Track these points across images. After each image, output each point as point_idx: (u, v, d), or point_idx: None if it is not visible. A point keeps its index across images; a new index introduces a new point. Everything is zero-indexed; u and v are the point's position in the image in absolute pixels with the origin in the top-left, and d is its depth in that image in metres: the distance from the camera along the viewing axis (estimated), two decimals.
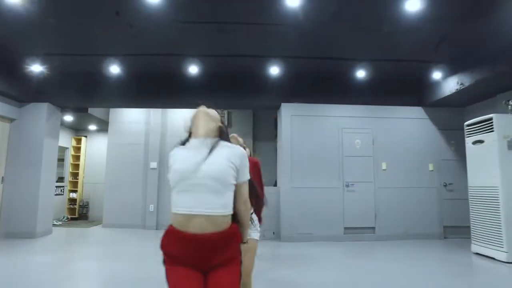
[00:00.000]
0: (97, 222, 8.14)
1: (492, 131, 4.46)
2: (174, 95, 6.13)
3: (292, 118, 6.14)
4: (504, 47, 4.23)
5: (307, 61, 5.36)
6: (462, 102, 5.95)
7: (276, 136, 7.13)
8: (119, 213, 7.29)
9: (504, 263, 4.19)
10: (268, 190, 6.28)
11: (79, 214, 8.70)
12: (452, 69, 5.20)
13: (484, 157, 4.61)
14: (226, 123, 7.52)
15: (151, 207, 7.29)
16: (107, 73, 5.49)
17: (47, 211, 6.23)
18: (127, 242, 5.87)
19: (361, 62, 5.29)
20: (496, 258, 4.32)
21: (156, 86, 6.02)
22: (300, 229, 5.82)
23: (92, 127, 8.75)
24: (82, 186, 8.89)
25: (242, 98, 6.11)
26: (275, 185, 6.80)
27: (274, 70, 5.43)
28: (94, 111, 7.25)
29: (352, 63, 5.34)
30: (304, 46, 4.85)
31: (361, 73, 5.45)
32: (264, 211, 2.59)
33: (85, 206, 8.82)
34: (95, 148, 9.03)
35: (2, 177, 5.82)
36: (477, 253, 4.70)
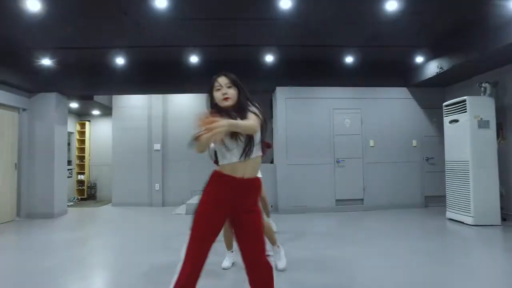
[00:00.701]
0: (105, 201, 8.70)
1: (466, 111, 4.99)
2: (175, 82, 6.51)
3: (286, 100, 6.59)
4: (476, 37, 4.67)
5: (300, 48, 5.75)
6: (443, 83, 6.44)
7: (272, 116, 7.60)
8: (127, 192, 7.83)
9: (471, 226, 4.86)
10: (266, 168, 6.87)
11: (87, 194, 9.24)
12: (433, 54, 5.64)
13: (458, 134, 5.16)
14: None
15: (157, 186, 7.83)
16: (112, 63, 5.81)
17: (62, 193, 6.74)
18: (137, 218, 6.45)
19: (350, 48, 5.69)
20: (465, 222, 4.99)
21: (158, 74, 6.38)
22: (296, 202, 6.43)
23: (96, 112, 9.10)
24: (89, 168, 9.37)
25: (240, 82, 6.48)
26: (272, 162, 7.36)
27: (269, 58, 5.80)
28: (98, 97, 7.60)
29: (342, 49, 5.73)
30: (297, 35, 5.22)
31: (350, 59, 5.86)
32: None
33: (92, 187, 9.34)
34: (99, 132, 9.43)
35: (16, 164, 6.27)
36: (450, 219, 5.37)
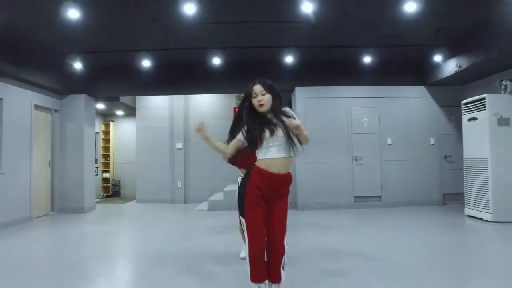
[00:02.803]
0: (129, 198, 9.07)
1: (485, 109, 5.04)
2: (197, 82, 6.77)
3: (305, 100, 6.76)
4: (495, 35, 4.73)
5: (319, 49, 5.91)
6: (461, 82, 6.47)
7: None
8: (150, 189, 8.17)
9: (490, 222, 4.92)
10: None
11: (112, 192, 9.64)
12: (451, 53, 5.69)
13: (477, 132, 5.22)
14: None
15: (179, 183, 8.13)
16: (138, 66, 6.11)
17: (90, 189, 7.11)
18: (162, 214, 6.75)
19: (368, 48, 5.81)
20: (484, 219, 5.05)
21: (181, 75, 6.66)
22: (314, 199, 6.60)
23: (120, 112, 9.49)
24: (113, 167, 9.77)
25: None
26: None
27: (289, 59, 5.98)
28: (123, 98, 7.95)
29: (360, 49, 5.86)
30: (316, 37, 5.38)
31: (368, 59, 5.97)
32: None
33: (117, 184, 9.74)
34: (123, 131, 9.83)
35: (49, 161, 6.66)
36: (469, 215, 5.43)
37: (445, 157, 6.74)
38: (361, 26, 5.03)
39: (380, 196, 6.69)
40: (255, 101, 2.11)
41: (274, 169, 2.08)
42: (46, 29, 4.81)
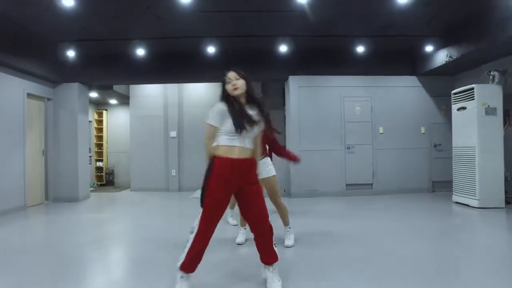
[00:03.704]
0: (123, 187, 9.10)
1: (473, 99, 5.17)
2: (191, 71, 6.77)
3: (299, 89, 6.82)
4: (485, 26, 4.83)
5: (313, 38, 5.95)
6: (452, 72, 6.58)
7: (284, 104, 7.83)
8: (145, 178, 8.21)
9: (476, 208, 5.12)
10: None
11: (106, 180, 9.66)
12: (442, 43, 5.79)
13: (466, 121, 5.36)
14: None
15: (173, 172, 8.19)
16: (131, 54, 6.08)
17: (85, 178, 7.13)
18: (157, 202, 6.82)
19: (361, 37, 5.86)
20: (470, 205, 5.25)
21: (175, 64, 6.64)
22: (307, 187, 6.73)
23: (113, 101, 9.43)
24: (107, 155, 9.76)
25: (254, 72, 6.71)
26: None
27: (283, 48, 6.01)
28: (117, 87, 7.91)
29: (353, 39, 5.91)
30: (310, 26, 5.40)
31: (361, 48, 6.03)
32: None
33: (110, 173, 9.74)
34: (116, 120, 9.78)
35: (43, 150, 6.64)
36: (456, 202, 5.62)
37: (435, 146, 6.91)
38: (354, 16, 5.07)
39: (371, 184, 6.85)
40: (229, 86, 2.28)
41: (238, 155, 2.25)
42: (39, 17, 4.76)
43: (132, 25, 5.29)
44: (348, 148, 6.80)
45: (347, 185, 6.83)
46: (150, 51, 6.07)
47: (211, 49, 5.94)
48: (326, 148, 6.78)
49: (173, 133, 8.19)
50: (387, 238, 3.73)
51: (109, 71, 6.78)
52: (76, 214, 5.54)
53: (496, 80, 5.35)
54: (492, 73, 5.36)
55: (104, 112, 9.64)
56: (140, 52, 5.93)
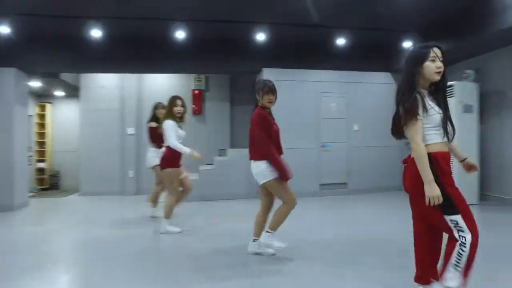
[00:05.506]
0: (71, 191, 8.02)
1: (453, 96, 5.14)
2: (155, 60, 6.06)
3: (274, 82, 6.38)
4: (463, 25, 4.85)
5: (290, 27, 5.56)
6: None
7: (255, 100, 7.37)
8: (97, 180, 7.25)
9: None
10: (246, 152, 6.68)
11: (49, 184, 8.46)
12: (419, 41, 5.71)
13: None
14: (203, 87, 7.60)
15: (131, 173, 7.34)
16: (85, 37, 5.22)
17: (22, 182, 6.04)
18: (110, 209, 5.90)
19: (339, 30, 5.61)
20: None
21: (136, 51, 5.90)
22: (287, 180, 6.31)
23: (59, 93, 8.27)
24: (51, 155, 8.55)
25: (226, 63, 6.22)
26: None
27: (259, 36, 5.55)
28: (65, 76, 6.87)
29: (330, 31, 5.64)
30: (288, 13, 5.02)
31: (339, 41, 5.79)
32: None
33: (55, 175, 8.56)
34: (63, 115, 8.64)
35: None
36: None
37: (406, 144, 6.88)
38: (334, 8, 4.77)
39: (346, 183, 6.65)
40: (432, 66, 1.86)
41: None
42: None
43: (86, 3, 4.47)
44: (323, 146, 6.53)
45: (321, 184, 6.55)
46: (108, 34, 5.25)
47: (180, 34, 5.27)
48: (300, 146, 6.43)
49: (131, 130, 7.34)
50: (366, 241, 3.44)
51: (55, 56, 5.77)
52: (9, 228, 4.55)
53: (471, 78, 5.38)
54: (467, 71, 5.39)
55: (48, 105, 8.44)
56: (96, 34, 5.08)
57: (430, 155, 1.85)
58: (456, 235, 1.78)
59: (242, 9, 4.89)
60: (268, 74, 6.34)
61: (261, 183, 2.95)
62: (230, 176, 6.45)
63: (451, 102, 5.14)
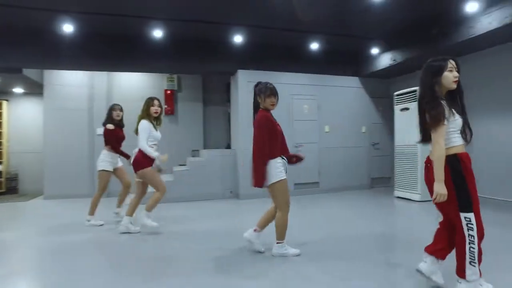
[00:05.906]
0: (32, 195, 7.54)
1: (416, 100, 5.55)
2: (128, 58, 5.89)
3: (248, 84, 6.48)
4: (428, 32, 5.20)
5: (265, 31, 5.69)
6: (391, 75, 7.07)
7: (228, 100, 7.43)
8: (63, 183, 6.91)
9: (418, 202, 5.54)
10: (222, 153, 6.73)
11: (6, 187, 7.88)
12: (387, 47, 6.13)
13: (408, 121, 5.75)
14: (176, 87, 7.51)
15: None
16: (53, 30, 4.97)
17: None
18: (78, 213, 5.50)
19: (311, 35, 5.84)
20: (412, 199, 5.66)
21: (108, 48, 5.69)
22: (255, 188, 6.42)
23: (18, 90, 7.73)
24: (8, 156, 7.97)
25: (200, 63, 6.21)
26: (228, 147, 7.25)
27: (236, 38, 5.63)
28: (27, 71, 6.44)
29: (303, 35, 5.86)
30: (264, 17, 5.14)
31: (311, 46, 6.05)
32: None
33: (13, 178, 7.99)
34: (21, 114, 8.07)
35: None
36: (398, 197, 6.00)
37: (373, 144, 7.33)
38: (308, 14, 4.96)
39: (318, 182, 6.92)
40: (450, 76, 2.07)
41: None
42: None
43: None
44: (296, 146, 6.74)
45: (295, 184, 6.76)
46: (78, 29, 5.04)
47: (156, 33, 5.20)
48: None
49: (100, 130, 7.04)
50: (344, 236, 3.67)
51: (16, 49, 5.41)
52: None
53: None
54: None
55: (4, 102, 7.85)
56: (68, 28, 4.86)
57: (456, 156, 2.02)
58: (466, 233, 1.98)
59: (219, 10, 4.92)
60: (242, 75, 6.46)
61: (269, 183, 2.97)
62: (204, 177, 6.46)
63: (413, 105, 5.59)
